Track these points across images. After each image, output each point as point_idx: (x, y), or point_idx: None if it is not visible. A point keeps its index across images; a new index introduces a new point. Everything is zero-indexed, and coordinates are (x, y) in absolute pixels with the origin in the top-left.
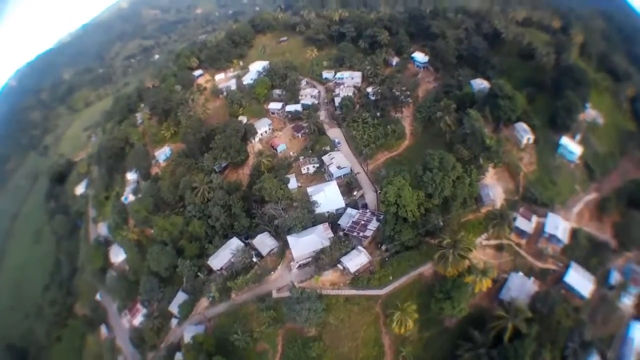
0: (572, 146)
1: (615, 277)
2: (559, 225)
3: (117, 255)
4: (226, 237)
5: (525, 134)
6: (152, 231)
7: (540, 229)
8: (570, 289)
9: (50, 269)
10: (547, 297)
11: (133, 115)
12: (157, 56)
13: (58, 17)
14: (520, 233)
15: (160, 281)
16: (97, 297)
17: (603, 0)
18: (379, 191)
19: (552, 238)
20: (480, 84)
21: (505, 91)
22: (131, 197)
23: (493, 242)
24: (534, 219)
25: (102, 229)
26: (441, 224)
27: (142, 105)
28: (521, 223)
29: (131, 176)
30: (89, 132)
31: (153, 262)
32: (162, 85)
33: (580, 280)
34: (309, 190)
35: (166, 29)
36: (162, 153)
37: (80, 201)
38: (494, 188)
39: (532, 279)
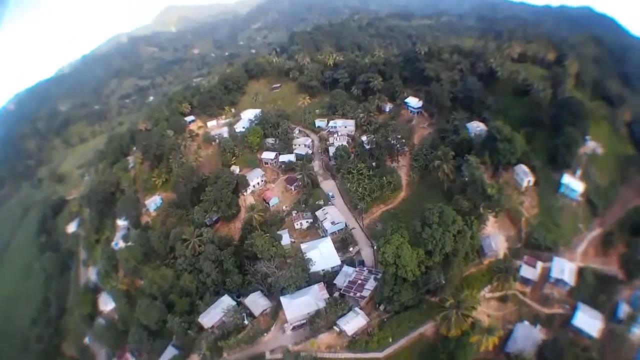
0: (574, 184)
1: (623, 310)
2: (565, 269)
3: (107, 304)
4: (217, 294)
5: (525, 177)
6: (142, 282)
7: (545, 274)
8: (578, 331)
9: (39, 305)
10: (555, 345)
11: (125, 159)
12: (151, 98)
13: (59, 46)
14: (525, 281)
15: (149, 334)
16: (86, 340)
17: (593, 24)
18: (376, 247)
19: (559, 282)
20: (477, 127)
21: (504, 134)
22: (121, 243)
23: (497, 294)
24: (539, 265)
25: (92, 274)
26: (443, 282)
27: (135, 148)
28: (526, 271)
29: (121, 222)
30: (83, 170)
31: (142, 315)
32: (155, 128)
33: (588, 321)
34: (303, 247)
35: (162, 68)
36: (153, 202)
37: (71, 240)
38: (496, 237)
39: (539, 326)
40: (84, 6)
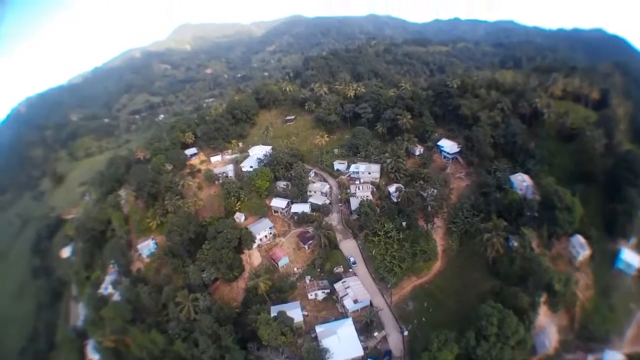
0: (632, 259)
1: None
2: None
3: (95, 354)
4: None
5: (582, 250)
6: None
7: None
8: None
9: (29, 333)
10: None
11: (117, 194)
12: (162, 116)
13: (72, 55)
14: None
15: None
16: None
17: (607, 46)
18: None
19: None
20: (522, 180)
21: (565, 202)
22: (110, 289)
23: None
24: (590, 359)
25: (82, 313)
26: None
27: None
28: None
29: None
30: (84, 189)
31: None
32: (153, 159)
33: None
34: (319, 330)
35: (174, 87)
36: (146, 247)
37: (65, 266)
38: (549, 330)
39: None
40: (99, 17)
